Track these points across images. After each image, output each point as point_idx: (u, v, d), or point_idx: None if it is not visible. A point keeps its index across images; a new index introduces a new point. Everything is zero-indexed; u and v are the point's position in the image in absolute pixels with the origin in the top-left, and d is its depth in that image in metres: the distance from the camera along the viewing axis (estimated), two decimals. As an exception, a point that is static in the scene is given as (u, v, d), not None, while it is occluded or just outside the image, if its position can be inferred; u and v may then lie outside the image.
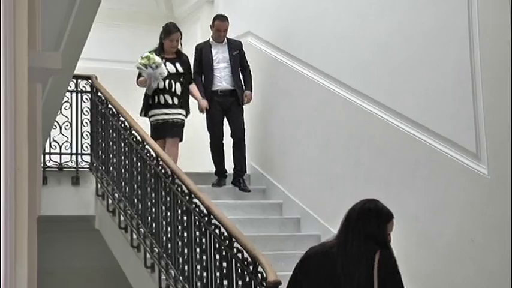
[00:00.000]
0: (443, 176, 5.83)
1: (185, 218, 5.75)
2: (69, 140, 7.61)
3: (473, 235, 5.52)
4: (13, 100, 1.83)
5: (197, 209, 5.57)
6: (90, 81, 7.75)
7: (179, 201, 5.84)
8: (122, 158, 6.96)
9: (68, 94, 7.41)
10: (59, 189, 7.49)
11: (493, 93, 5.41)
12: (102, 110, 7.43)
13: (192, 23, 10.49)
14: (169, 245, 5.97)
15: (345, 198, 6.80)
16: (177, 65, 7.65)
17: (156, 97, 7.53)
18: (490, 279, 5.36)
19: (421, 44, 6.13)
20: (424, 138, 6.03)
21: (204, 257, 5.42)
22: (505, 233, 5.24)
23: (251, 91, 7.87)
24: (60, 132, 7.56)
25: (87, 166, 7.60)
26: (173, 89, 7.55)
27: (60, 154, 7.58)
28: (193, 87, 7.78)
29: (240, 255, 4.96)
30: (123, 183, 6.90)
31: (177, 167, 6.10)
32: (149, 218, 6.34)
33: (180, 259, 5.77)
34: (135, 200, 6.61)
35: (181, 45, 7.80)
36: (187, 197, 5.73)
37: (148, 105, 7.58)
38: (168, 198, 6.03)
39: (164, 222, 6.08)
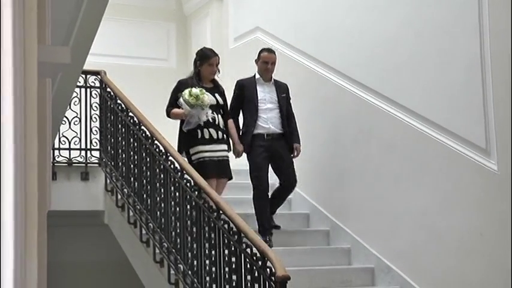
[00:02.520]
0: (453, 172, 5.82)
1: (194, 213, 5.76)
2: (79, 135, 7.62)
3: (482, 230, 5.51)
4: (23, 95, 1.83)
5: (206, 204, 5.57)
6: (99, 76, 7.75)
7: (188, 197, 5.85)
8: (131, 153, 6.97)
9: (77, 89, 7.43)
10: (68, 185, 7.50)
11: (503, 89, 5.39)
12: (111, 106, 7.43)
13: (201, 19, 10.50)
14: (178, 240, 5.98)
15: (354, 194, 6.81)
16: (217, 95, 6.77)
17: (199, 131, 6.56)
18: (499, 273, 5.35)
19: (430, 38, 6.11)
20: (433, 133, 6.02)
21: (213, 252, 5.43)
22: (515, 228, 5.23)
23: (299, 143, 6.94)
24: (70, 127, 7.57)
25: (97, 161, 7.61)
26: (217, 122, 6.66)
27: (70, 149, 7.59)
28: (231, 125, 6.87)
29: (248, 250, 4.96)
30: (132, 179, 6.91)
31: (185, 162, 6.10)
32: (158, 213, 6.35)
33: (189, 254, 5.78)
34: (144, 195, 6.63)
35: (219, 71, 6.91)
36: (196, 192, 5.73)
37: (190, 141, 6.62)
38: (177, 194, 6.03)
39: (173, 217, 6.09)
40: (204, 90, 6.56)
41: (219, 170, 6.57)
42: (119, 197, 7.11)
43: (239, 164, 7.25)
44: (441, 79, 5.99)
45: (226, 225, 5.27)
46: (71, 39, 3.99)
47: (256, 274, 4.85)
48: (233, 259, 5.15)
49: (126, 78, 8.90)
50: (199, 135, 6.55)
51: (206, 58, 6.79)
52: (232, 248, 5.17)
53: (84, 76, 7.62)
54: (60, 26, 3.68)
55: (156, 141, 6.47)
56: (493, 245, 5.42)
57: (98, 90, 7.73)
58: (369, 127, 6.79)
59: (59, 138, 7.47)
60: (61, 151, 7.54)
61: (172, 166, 6.14)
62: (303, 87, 7.69)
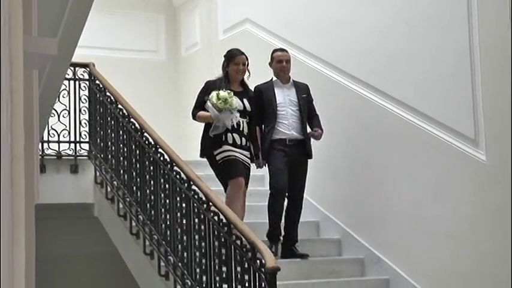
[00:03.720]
0: (442, 162, 5.84)
1: (184, 205, 5.75)
2: (68, 128, 7.60)
3: (472, 220, 5.53)
4: (9, 86, 1.82)
5: (196, 196, 5.57)
6: (88, 68, 7.72)
7: (178, 189, 5.84)
8: (121, 145, 6.95)
9: (65, 82, 7.40)
10: (57, 177, 7.48)
11: (492, 80, 5.40)
12: (101, 98, 7.41)
13: (190, 10, 10.48)
14: (168, 232, 5.98)
15: (344, 185, 6.82)
16: (245, 101, 6.42)
17: (223, 135, 6.28)
18: (489, 263, 5.37)
19: (421, 30, 6.12)
20: (423, 124, 6.03)
21: (203, 244, 5.43)
22: (504, 218, 5.25)
23: (321, 129, 6.51)
24: (59, 120, 7.54)
25: (86, 154, 7.60)
26: (241, 128, 6.34)
27: (59, 142, 7.57)
28: (257, 134, 6.55)
29: (238, 241, 4.97)
30: (121, 171, 6.90)
31: (175, 155, 6.09)
32: (148, 205, 6.34)
33: (179, 246, 5.78)
34: (134, 188, 6.62)
35: (249, 73, 6.57)
36: (186, 184, 5.73)
37: (213, 144, 6.30)
38: (167, 186, 6.03)
39: (163, 210, 6.08)
40: (232, 93, 6.24)
41: (240, 172, 6.23)
42: (109, 189, 7.09)
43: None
44: (431, 71, 6.00)
45: (216, 217, 5.27)
46: (59, 31, 3.97)
47: (246, 265, 4.86)
48: (223, 251, 5.16)
49: (115, 70, 8.87)
50: (223, 139, 6.27)
51: (231, 57, 6.47)
52: (222, 240, 5.17)
53: (72, 68, 7.60)
54: (48, 18, 3.66)
55: (145, 134, 6.45)
56: (482, 235, 5.44)
57: (87, 82, 7.71)
58: (359, 118, 6.79)
59: (48, 131, 7.45)
60: (50, 144, 7.52)
61: (162, 158, 6.13)
62: (294, 79, 7.68)
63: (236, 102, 6.22)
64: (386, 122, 6.41)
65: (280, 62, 6.62)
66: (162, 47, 10.85)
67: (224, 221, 5.19)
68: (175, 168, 5.94)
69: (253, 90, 6.58)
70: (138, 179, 6.55)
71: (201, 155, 6.43)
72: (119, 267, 7.17)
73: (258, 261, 4.74)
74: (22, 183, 1.92)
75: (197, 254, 5.51)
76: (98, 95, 7.48)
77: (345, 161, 6.92)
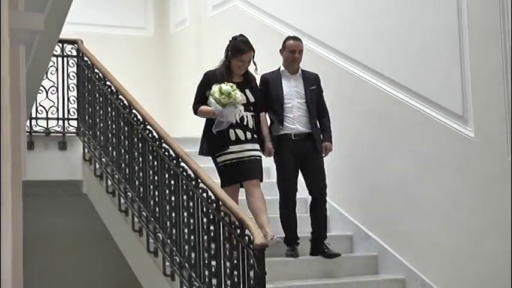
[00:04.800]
0: (430, 138, 5.86)
1: (172, 182, 5.75)
2: (56, 105, 7.57)
3: (458, 196, 5.56)
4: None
5: (184, 173, 5.57)
6: (76, 45, 7.67)
7: (166, 165, 5.84)
8: (109, 122, 6.93)
9: (53, 58, 7.35)
10: (46, 154, 7.46)
11: (480, 58, 5.42)
12: (89, 75, 7.38)
13: (179, -13, 10.41)
14: (156, 209, 5.98)
15: (332, 163, 6.83)
16: (247, 92, 6.03)
17: (225, 132, 5.92)
18: (474, 239, 5.42)
19: (410, 8, 6.11)
20: (411, 101, 6.05)
21: (192, 221, 5.44)
22: (490, 194, 5.29)
23: (331, 142, 6.23)
24: (47, 96, 7.51)
25: (74, 131, 7.57)
26: (245, 122, 5.96)
27: (47, 119, 7.54)
28: (263, 120, 6.20)
29: (227, 218, 4.98)
30: (110, 148, 6.88)
31: (164, 131, 6.08)
32: (137, 182, 6.34)
33: (168, 223, 5.79)
34: (123, 165, 6.61)
35: (255, 64, 6.13)
36: (174, 161, 5.72)
37: (214, 143, 5.97)
38: (156, 163, 6.02)
39: (152, 186, 6.08)
40: (234, 86, 5.88)
41: (250, 171, 5.91)
42: (97, 166, 7.08)
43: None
44: (420, 49, 6.00)
45: (204, 194, 5.28)
46: (46, 7, 3.94)
47: (234, 242, 4.87)
48: (212, 227, 5.17)
49: (103, 47, 8.82)
50: (225, 136, 5.90)
51: (238, 52, 5.98)
52: (211, 217, 5.18)
53: (60, 45, 7.55)
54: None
55: (134, 110, 6.43)
56: (468, 211, 5.48)
57: (75, 59, 7.66)
58: (347, 95, 6.80)
59: (36, 108, 7.41)
60: (38, 121, 7.49)
61: (150, 135, 6.12)
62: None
63: (240, 95, 5.87)
64: (375, 99, 6.42)
65: (292, 52, 6.23)
66: (150, 24, 10.79)
67: (213, 197, 5.19)
68: (163, 145, 5.93)
69: (260, 79, 6.28)
70: (127, 156, 6.54)
71: (201, 154, 6.08)
72: (108, 244, 7.18)
73: (246, 237, 4.75)
74: (8, 160, 1.91)
75: (186, 230, 5.52)
76: (86, 72, 7.44)
77: (333, 138, 6.92)
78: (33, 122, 7.45)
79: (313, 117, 6.17)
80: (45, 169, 7.37)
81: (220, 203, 5.10)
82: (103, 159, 6.98)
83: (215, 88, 5.88)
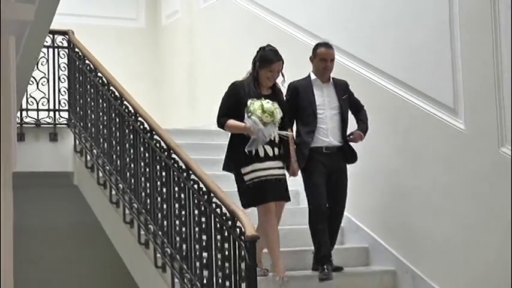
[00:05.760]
0: (421, 131, 5.87)
1: (164, 173, 5.75)
2: (47, 96, 7.55)
3: (449, 188, 5.58)
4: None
5: (176, 165, 5.57)
6: (66, 36, 7.66)
7: (158, 157, 5.83)
8: (100, 113, 6.92)
9: (44, 49, 7.34)
10: (37, 146, 7.45)
11: (472, 49, 5.42)
12: (80, 66, 7.36)
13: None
14: (148, 201, 5.98)
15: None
16: (276, 105, 5.63)
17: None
18: (465, 231, 5.44)
19: (401, 0, 6.12)
20: (402, 93, 6.06)
21: (183, 212, 5.43)
22: (480, 186, 5.30)
23: (364, 133, 5.90)
24: (37, 88, 7.49)
25: (65, 122, 7.56)
26: (272, 137, 5.55)
27: (38, 110, 7.53)
28: (292, 141, 5.79)
29: (218, 210, 4.98)
30: (101, 139, 6.87)
31: (155, 123, 6.07)
32: (128, 173, 6.33)
33: (159, 214, 5.78)
34: (114, 156, 6.60)
35: (283, 76, 5.73)
36: (165, 153, 5.72)
37: (241, 159, 5.54)
38: (147, 154, 6.01)
39: (143, 178, 6.08)
40: (276, 104, 5.54)
41: (279, 192, 5.58)
42: (88, 158, 7.07)
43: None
44: (410, 40, 6.00)
45: (196, 186, 5.27)
46: (36, -2, 3.93)
47: (226, 234, 4.87)
48: (203, 219, 5.16)
49: (94, 38, 8.79)
50: (254, 153, 5.49)
51: (266, 62, 5.59)
52: (202, 208, 5.18)
53: (51, 36, 7.53)
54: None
55: (125, 102, 6.42)
56: (459, 203, 5.50)
57: (66, 50, 7.65)
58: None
59: (27, 99, 7.40)
60: (29, 112, 7.47)
61: (141, 127, 6.11)
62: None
63: (279, 112, 5.54)
64: (365, 91, 6.41)
65: (324, 61, 5.85)
66: (142, 15, 10.76)
67: (204, 189, 5.19)
68: (155, 136, 5.92)
69: (287, 87, 5.89)
70: (118, 148, 6.53)
71: (226, 169, 5.70)
72: (99, 236, 7.17)
73: (237, 229, 4.75)
74: (-2, 151, 1.90)
75: (177, 222, 5.52)
76: (77, 63, 7.42)
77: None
78: (24, 113, 7.43)
79: (345, 130, 5.86)
80: (36, 160, 7.36)
81: (212, 194, 5.09)
82: (94, 151, 6.96)
83: (256, 105, 5.48)
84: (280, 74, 5.67)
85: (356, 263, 6.26)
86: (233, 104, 5.58)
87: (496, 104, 5.16)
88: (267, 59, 5.60)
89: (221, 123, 5.63)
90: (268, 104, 5.47)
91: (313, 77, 5.90)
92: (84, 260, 9.19)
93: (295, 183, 6.18)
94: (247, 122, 5.47)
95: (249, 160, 5.50)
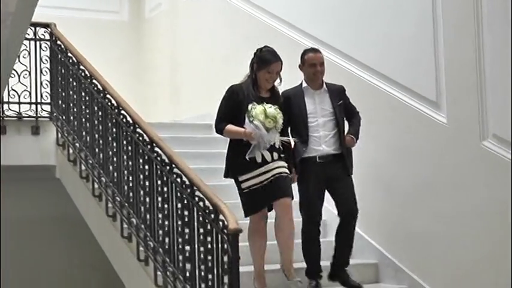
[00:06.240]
0: (403, 124, 5.90)
1: (147, 167, 5.74)
2: (29, 89, 7.51)
3: (430, 181, 5.61)
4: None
5: (158, 158, 5.56)
6: (49, 29, 7.61)
7: (141, 150, 5.82)
8: (83, 107, 6.89)
9: (26, 42, 7.30)
10: (18, 139, 7.42)
11: (454, 42, 5.44)
12: (62, 59, 7.32)
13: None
14: (130, 194, 5.97)
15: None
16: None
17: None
18: (446, 224, 5.47)
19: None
20: (384, 86, 6.08)
21: (166, 206, 5.43)
22: (461, 179, 5.34)
23: (356, 137, 5.69)
24: (19, 81, 7.45)
25: (48, 115, 7.52)
26: (272, 143, 5.37)
27: (19, 103, 7.49)
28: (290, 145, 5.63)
29: (201, 203, 4.98)
30: (84, 133, 6.85)
31: (138, 116, 6.05)
32: (111, 167, 6.32)
33: (142, 208, 5.77)
34: (96, 150, 6.58)
35: (280, 79, 5.53)
36: (148, 146, 5.71)
37: (239, 165, 5.36)
38: (130, 148, 6.00)
39: (126, 172, 6.06)
40: (278, 108, 5.33)
41: (278, 190, 5.30)
42: (71, 151, 7.05)
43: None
44: (393, 33, 6.02)
45: (178, 179, 5.27)
46: (18, -10, 3.90)
47: (208, 227, 4.87)
48: (186, 212, 5.16)
49: (76, 31, 8.75)
50: (248, 159, 5.31)
51: (265, 63, 5.40)
52: (185, 202, 5.18)
53: (33, 28, 7.49)
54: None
55: (108, 95, 6.40)
56: (440, 196, 5.53)
57: (48, 43, 7.60)
58: (321, 81, 6.80)
59: (8, 92, 7.36)
60: (10, 105, 7.43)
61: (124, 120, 6.10)
62: (257, 39, 7.65)
63: (281, 117, 5.32)
64: (348, 84, 6.41)
65: (313, 66, 5.64)
66: (124, 8, 10.72)
67: (187, 182, 5.18)
68: (138, 130, 5.91)
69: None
70: (101, 141, 6.51)
71: (226, 176, 5.50)
72: (81, 229, 7.15)
73: (220, 222, 4.76)
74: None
75: (160, 216, 5.51)
76: (59, 56, 7.39)
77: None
78: (5, 106, 7.39)
79: (341, 136, 5.62)
80: (18, 154, 7.33)
81: (195, 187, 5.09)
82: (76, 144, 6.94)
83: (258, 110, 5.25)
84: (278, 76, 5.50)
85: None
86: (232, 108, 5.39)
87: (478, 98, 5.19)
88: (265, 60, 5.42)
89: (220, 128, 5.42)
90: (270, 108, 5.25)
91: (304, 84, 5.71)
92: (67, 253, 9.18)
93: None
94: (248, 127, 5.27)
95: (246, 167, 5.31)
